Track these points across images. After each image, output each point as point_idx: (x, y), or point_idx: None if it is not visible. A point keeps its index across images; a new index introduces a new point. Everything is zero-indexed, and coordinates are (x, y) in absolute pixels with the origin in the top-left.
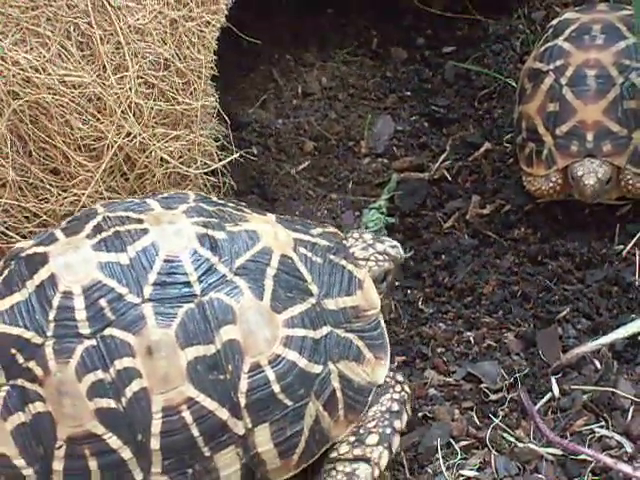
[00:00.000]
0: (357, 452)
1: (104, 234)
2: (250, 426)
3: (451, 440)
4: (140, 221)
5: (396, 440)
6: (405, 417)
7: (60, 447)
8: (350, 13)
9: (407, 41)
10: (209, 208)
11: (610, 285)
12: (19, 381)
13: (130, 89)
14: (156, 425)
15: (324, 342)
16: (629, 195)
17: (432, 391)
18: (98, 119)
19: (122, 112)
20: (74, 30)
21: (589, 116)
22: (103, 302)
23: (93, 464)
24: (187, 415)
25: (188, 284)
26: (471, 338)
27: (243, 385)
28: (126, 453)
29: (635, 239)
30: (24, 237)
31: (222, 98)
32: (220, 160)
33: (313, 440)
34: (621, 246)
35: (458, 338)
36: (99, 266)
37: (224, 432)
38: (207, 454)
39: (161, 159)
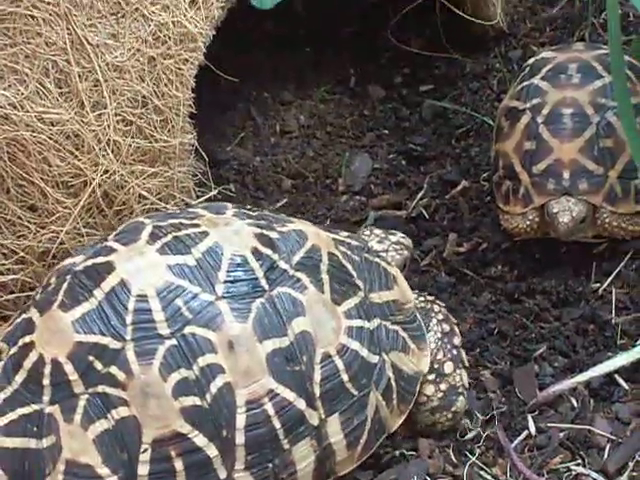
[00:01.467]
0: (443, 387)
1: (164, 239)
2: (323, 416)
3: (428, 478)
4: (196, 225)
5: (463, 355)
6: (457, 330)
7: (145, 451)
8: (328, 51)
9: (385, 79)
10: (252, 213)
11: (587, 323)
12: (100, 388)
13: (108, 126)
14: (241, 419)
15: (377, 333)
16: (605, 233)
17: None
18: (76, 156)
19: (100, 149)
20: (52, 67)
21: (565, 154)
22: (179, 302)
23: (179, 465)
24: (269, 407)
25: (256, 280)
26: None
27: (317, 375)
28: (211, 450)
29: (611, 277)
30: (1, 273)
31: (200, 135)
32: (198, 197)
33: (374, 430)
34: (597, 284)
35: None
36: (168, 268)
37: (301, 423)
38: (286, 447)
39: (139, 195)
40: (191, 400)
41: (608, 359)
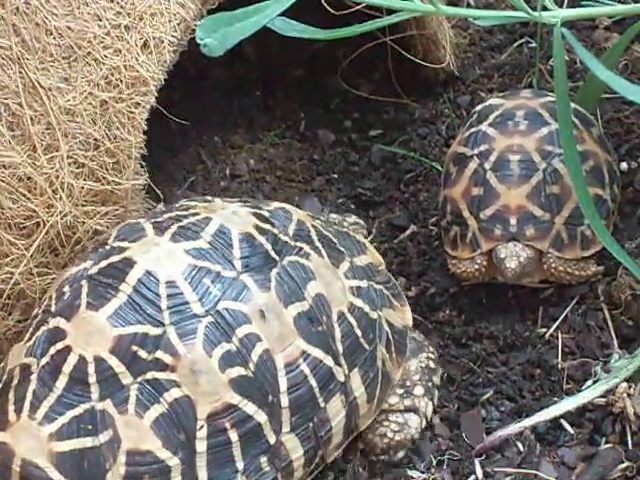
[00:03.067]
0: (407, 403)
1: (171, 230)
2: (347, 372)
3: None
4: (196, 214)
5: (436, 394)
6: (439, 373)
7: (202, 427)
8: (278, 95)
9: (334, 124)
10: (235, 199)
11: (533, 368)
12: (149, 374)
13: (61, 169)
14: (283, 383)
15: (370, 292)
16: (552, 278)
17: (361, 471)
18: (29, 198)
19: (53, 191)
20: (5, 111)
21: (512, 201)
22: (206, 282)
23: (234, 435)
24: (305, 368)
25: (266, 253)
26: None
27: (337, 333)
28: (261, 417)
29: (557, 322)
30: None
31: (151, 179)
32: None
33: (384, 382)
34: (544, 329)
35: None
36: (186, 253)
37: (332, 380)
38: (322, 405)
39: (93, 232)
40: (237, 371)
41: (554, 404)
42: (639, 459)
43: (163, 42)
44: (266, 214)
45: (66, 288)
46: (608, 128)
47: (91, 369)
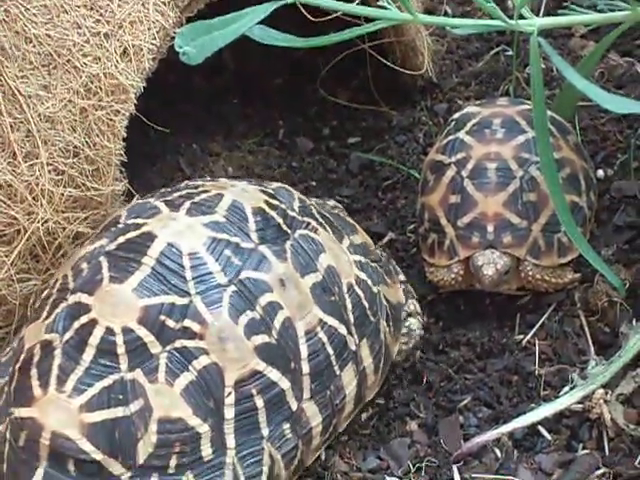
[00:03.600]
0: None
1: (185, 206)
2: (357, 342)
3: None
4: (207, 191)
5: (412, 289)
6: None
7: (229, 394)
8: (256, 103)
9: (313, 131)
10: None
11: (510, 374)
12: (177, 343)
13: (40, 176)
14: (303, 349)
15: (368, 267)
16: (529, 286)
17: (339, 478)
18: (9, 205)
19: (33, 198)
20: None
21: (490, 208)
22: (227, 252)
23: (259, 402)
24: (322, 336)
25: (279, 226)
26: (378, 426)
27: (348, 303)
28: (284, 383)
29: (534, 329)
30: None
31: (130, 186)
32: None
33: (386, 355)
34: (521, 336)
35: (364, 424)
36: (205, 226)
37: (345, 349)
38: (337, 372)
39: (75, 236)
40: (261, 338)
41: (531, 410)
42: (616, 465)
43: (142, 50)
44: (271, 191)
45: (83, 265)
46: (584, 135)
47: (119, 340)
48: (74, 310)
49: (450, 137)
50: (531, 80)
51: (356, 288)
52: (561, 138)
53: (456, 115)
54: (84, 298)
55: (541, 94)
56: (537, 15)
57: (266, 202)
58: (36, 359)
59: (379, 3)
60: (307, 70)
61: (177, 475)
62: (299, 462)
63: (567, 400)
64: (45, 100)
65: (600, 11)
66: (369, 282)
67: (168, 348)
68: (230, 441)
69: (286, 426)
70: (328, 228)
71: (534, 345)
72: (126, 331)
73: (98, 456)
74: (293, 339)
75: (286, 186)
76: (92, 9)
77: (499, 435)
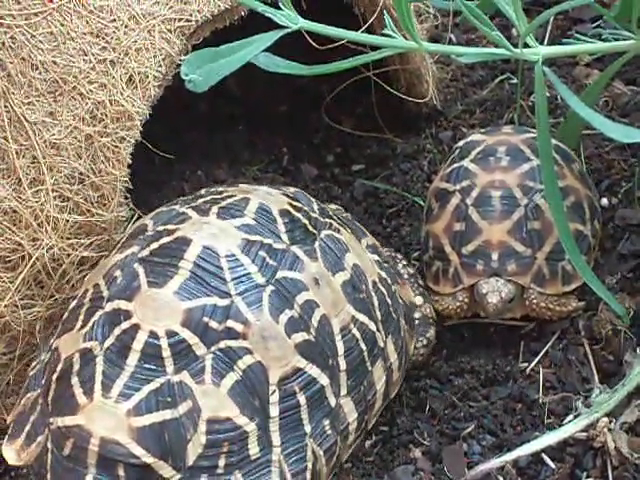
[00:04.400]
0: (417, 315)
1: (213, 211)
2: (384, 338)
3: None
4: (232, 196)
5: (426, 293)
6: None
7: (274, 392)
8: (261, 130)
9: (317, 158)
10: None
11: (514, 402)
12: (222, 344)
13: (46, 202)
14: (340, 346)
15: (384, 267)
16: (533, 314)
17: None
18: (14, 232)
19: (38, 224)
20: None
21: (494, 236)
22: (262, 254)
23: (302, 399)
24: (356, 332)
25: (305, 227)
26: (381, 453)
27: (375, 301)
28: (324, 380)
29: (538, 357)
30: None
31: (135, 212)
32: None
33: (406, 352)
34: (525, 364)
35: (368, 451)
36: (237, 229)
37: (375, 345)
38: (369, 368)
39: (80, 262)
40: (301, 336)
41: (535, 438)
42: None
43: (148, 77)
44: (291, 194)
45: (117, 273)
46: (589, 164)
47: (164, 343)
48: (113, 317)
49: (455, 165)
50: (536, 108)
51: (380, 286)
52: (565, 166)
53: (460, 143)
54: (123, 304)
55: (545, 122)
56: (542, 44)
57: (290, 204)
58: (76, 368)
59: (384, 31)
60: (312, 97)
61: (226, 475)
62: (337, 458)
63: (571, 428)
64: (51, 127)
65: (605, 40)
66: (389, 280)
67: (213, 349)
68: (275, 439)
69: (326, 422)
70: (347, 229)
71: (538, 373)
72: (170, 334)
73: (149, 459)
74: (330, 336)
75: (301, 190)
76: (98, 36)
77: (503, 463)
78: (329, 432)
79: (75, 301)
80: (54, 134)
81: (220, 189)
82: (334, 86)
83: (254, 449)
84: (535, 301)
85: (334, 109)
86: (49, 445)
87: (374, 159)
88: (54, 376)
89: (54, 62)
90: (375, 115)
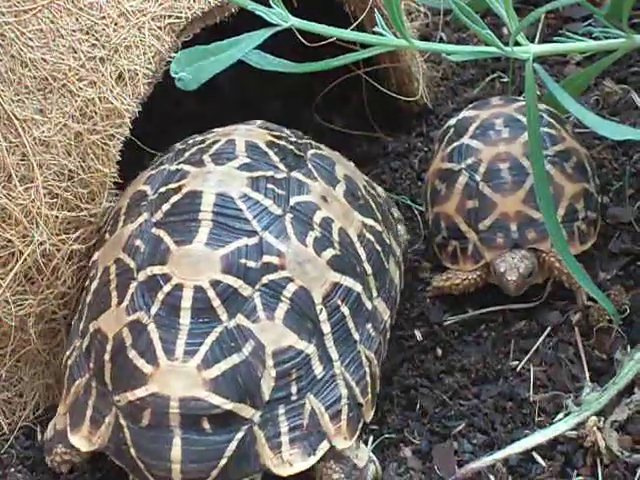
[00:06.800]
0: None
1: (206, 159)
2: (389, 235)
3: None
4: (216, 141)
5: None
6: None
7: (321, 311)
8: None
9: None
10: None
11: (505, 400)
12: (264, 279)
13: (36, 199)
14: (361, 252)
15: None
16: (554, 277)
17: None
18: (4, 228)
19: (28, 221)
20: None
21: (510, 208)
22: (270, 186)
23: (345, 310)
24: (370, 236)
25: (293, 152)
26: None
27: (371, 203)
28: (358, 287)
29: (529, 355)
30: None
31: None
32: None
33: (401, 244)
34: (516, 362)
35: None
36: (239, 170)
37: (385, 244)
38: (387, 266)
39: (70, 256)
40: (329, 252)
41: (526, 436)
42: None
43: (138, 74)
44: (266, 126)
45: (137, 242)
46: None
47: (212, 294)
48: (151, 284)
49: (455, 144)
50: (526, 107)
51: (369, 189)
52: (562, 129)
53: (452, 121)
54: (157, 269)
55: (536, 120)
56: (532, 42)
57: (272, 135)
58: (129, 342)
59: (375, 29)
60: (302, 95)
61: (300, 400)
62: (382, 358)
63: (562, 427)
64: (40, 124)
65: (595, 38)
66: (371, 182)
67: (257, 287)
68: (333, 354)
69: (369, 326)
70: (322, 146)
71: (529, 371)
72: (215, 284)
73: (229, 406)
74: (351, 245)
75: (266, 121)
76: (88, 33)
77: (493, 461)
78: (373, 334)
79: (96, 281)
80: (44, 131)
81: (199, 138)
82: (325, 84)
83: (318, 368)
84: (557, 265)
85: (325, 107)
86: (122, 421)
87: (364, 157)
88: (106, 356)
89: (44, 59)
90: (366, 113)
